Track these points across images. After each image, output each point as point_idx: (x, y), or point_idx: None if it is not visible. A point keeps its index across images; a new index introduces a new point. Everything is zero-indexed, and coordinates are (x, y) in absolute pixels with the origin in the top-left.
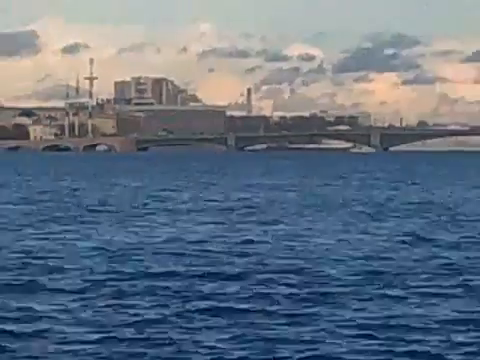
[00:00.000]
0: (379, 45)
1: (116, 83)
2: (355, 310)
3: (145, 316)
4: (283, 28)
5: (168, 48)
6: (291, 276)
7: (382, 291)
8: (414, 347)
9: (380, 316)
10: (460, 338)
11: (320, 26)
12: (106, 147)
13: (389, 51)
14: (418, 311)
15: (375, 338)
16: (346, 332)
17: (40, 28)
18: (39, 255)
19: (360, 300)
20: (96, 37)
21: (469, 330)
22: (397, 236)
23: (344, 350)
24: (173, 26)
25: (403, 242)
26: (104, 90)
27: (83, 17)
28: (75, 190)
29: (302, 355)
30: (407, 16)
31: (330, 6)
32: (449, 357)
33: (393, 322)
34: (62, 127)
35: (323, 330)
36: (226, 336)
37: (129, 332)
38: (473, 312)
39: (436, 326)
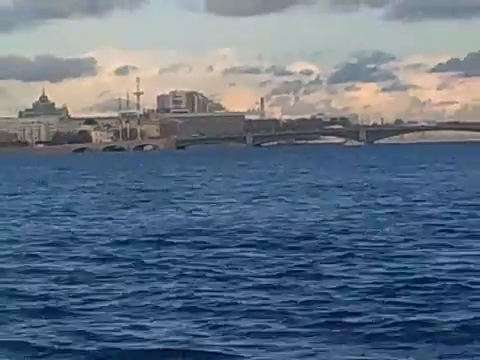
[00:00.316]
0: (363, 61)
1: (158, 96)
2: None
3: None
4: (287, 49)
5: (198, 67)
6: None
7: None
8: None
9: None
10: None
11: (316, 47)
12: (152, 147)
13: (371, 65)
14: None
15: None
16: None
17: (97, 55)
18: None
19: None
20: (141, 60)
21: None
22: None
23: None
24: (202, 50)
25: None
26: (149, 102)
27: (131, 44)
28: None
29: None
30: (384, 37)
31: (323, 30)
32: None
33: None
34: (117, 132)
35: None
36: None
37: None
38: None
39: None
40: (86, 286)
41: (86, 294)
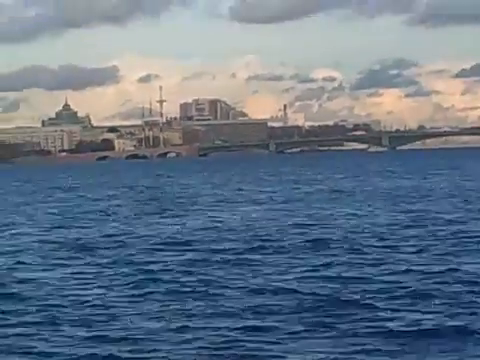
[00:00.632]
0: (385, 67)
1: (180, 104)
2: None
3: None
4: (310, 56)
5: (221, 75)
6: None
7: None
8: None
9: None
10: None
11: (338, 53)
12: (175, 154)
13: (393, 72)
14: None
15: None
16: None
17: (120, 63)
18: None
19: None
20: (164, 68)
21: None
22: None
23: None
24: (225, 58)
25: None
26: (171, 110)
27: (153, 53)
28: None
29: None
30: (406, 43)
31: (345, 37)
32: None
33: None
34: (140, 140)
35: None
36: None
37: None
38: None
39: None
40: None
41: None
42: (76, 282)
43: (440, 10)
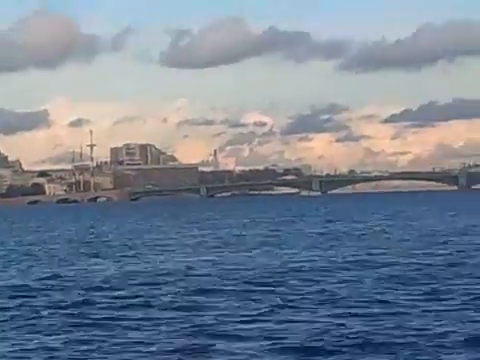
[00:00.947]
0: (316, 112)
1: (111, 149)
2: None
3: None
4: (240, 101)
5: (152, 120)
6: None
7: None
8: None
9: None
10: None
11: (269, 98)
12: (106, 198)
13: (324, 116)
14: None
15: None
16: None
17: (51, 107)
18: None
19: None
20: (95, 113)
21: None
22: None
23: None
24: (156, 102)
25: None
26: (102, 154)
27: (84, 97)
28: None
29: None
30: (337, 88)
31: (276, 82)
32: None
33: None
34: (70, 184)
35: None
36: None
37: None
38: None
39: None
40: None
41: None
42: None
43: (370, 56)
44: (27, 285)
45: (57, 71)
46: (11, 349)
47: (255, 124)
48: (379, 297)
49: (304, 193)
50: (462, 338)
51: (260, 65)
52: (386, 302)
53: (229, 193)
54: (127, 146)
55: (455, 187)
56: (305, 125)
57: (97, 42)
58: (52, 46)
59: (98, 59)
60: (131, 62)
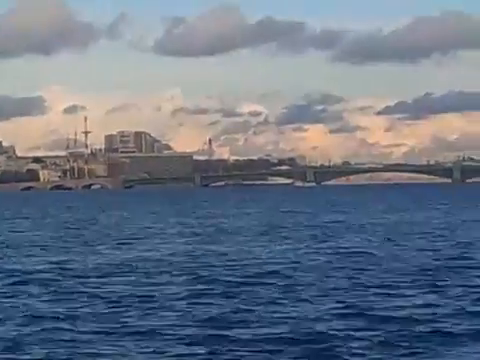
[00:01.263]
0: (311, 102)
1: (106, 136)
2: None
3: None
4: (235, 91)
5: (147, 108)
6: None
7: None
8: None
9: None
10: None
11: (264, 88)
12: (100, 186)
13: (319, 107)
14: None
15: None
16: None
17: (46, 94)
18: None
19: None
20: (90, 100)
21: None
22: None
23: None
24: (151, 91)
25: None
26: (96, 142)
27: (80, 84)
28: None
29: None
30: (332, 79)
31: (271, 72)
32: None
33: None
34: (65, 171)
35: None
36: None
37: None
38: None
39: None
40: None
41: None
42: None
43: (365, 47)
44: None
45: (52, 58)
46: None
47: (250, 114)
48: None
49: (299, 184)
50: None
51: (255, 54)
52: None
53: (223, 182)
54: (121, 134)
55: (449, 180)
56: (300, 115)
57: (92, 30)
58: (47, 33)
59: (93, 47)
60: (126, 50)
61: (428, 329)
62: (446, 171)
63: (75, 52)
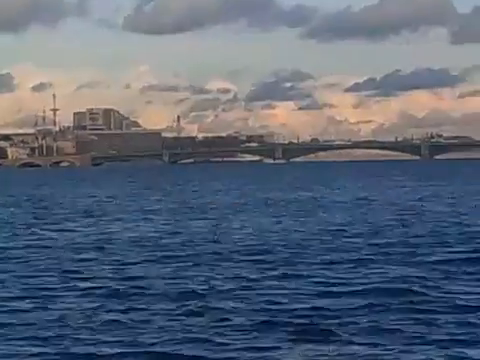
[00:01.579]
0: (280, 79)
1: (74, 113)
2: None
3: None
4: (204, 68)
5: (115, 85)
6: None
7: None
8: None
9: None
10: None
11: (233, 65)
12: (68, 163)
13: (287, 84)
14: None
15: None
16: None
17: (14, 71)
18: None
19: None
20: (59, 77)
21: None
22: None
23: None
24: (119, 68)
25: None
26: (65, 119)
27: (48, 61)
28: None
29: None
30: (302, 57)
31: (240, 49)
32: None
33: None
34: (33, 149)
35: None
36: None
37: None
38: None
39: None
40: None
41: None
42: None
43: (335, 24)
44: None
45: (20, 35)
46: None
47: (219, 91)
48: None
49: (268, 160)
50: None
51: (224, 31)
52: None
53: (192, 160)
54: (90, 111)
55: (417, 157)
56: (269, 92)
57: (61, 7)
58: (15, 10)
59: (62, 23)
60: (95, 27)
61: None
62: (414, 148)
63: (44, 29)
